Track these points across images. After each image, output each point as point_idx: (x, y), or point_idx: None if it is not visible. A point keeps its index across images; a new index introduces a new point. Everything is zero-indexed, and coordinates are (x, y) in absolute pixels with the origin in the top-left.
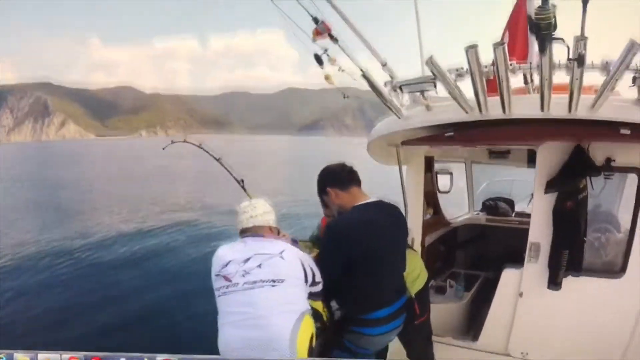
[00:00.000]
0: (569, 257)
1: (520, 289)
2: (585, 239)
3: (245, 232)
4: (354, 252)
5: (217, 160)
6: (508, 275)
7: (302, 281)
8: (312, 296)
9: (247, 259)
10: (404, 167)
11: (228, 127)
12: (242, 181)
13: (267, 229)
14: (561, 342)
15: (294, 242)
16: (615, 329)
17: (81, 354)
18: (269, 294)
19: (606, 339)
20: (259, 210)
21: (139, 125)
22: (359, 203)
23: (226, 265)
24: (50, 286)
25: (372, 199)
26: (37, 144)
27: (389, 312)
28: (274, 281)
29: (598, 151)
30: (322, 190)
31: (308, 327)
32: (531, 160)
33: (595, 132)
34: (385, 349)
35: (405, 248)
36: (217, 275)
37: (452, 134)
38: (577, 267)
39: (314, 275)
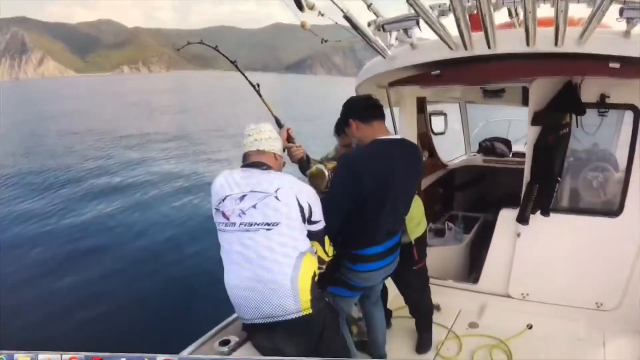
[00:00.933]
0: (538, 192)
1: (517, 229)
2: (559, 179)
3: (248, 157)
4: (365, 186)
5: (233, 63)
6: (505, 216)
7: (298, 222)
8: (309, 236)
9: (243, 196)
10: (397, 110)
11: (213, 63)
12: (258, 85)
13: (272, 157)
14: (560, 283)
15: (307, 159)
16: (613, 269)
17: (82, 354)
18: (265, 238)
19: (604, 278)
20: (264, 134)
21: (121, 61)
22: (380, 138)
23: (223, 200)
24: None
25: (394, 136)
26: (15, 82)
27: (380, 250)
28: (268, 224)
29: (592, 87)
30: (343, 121)
31: (310, 265)
32: (526, 99)
33: (585, 66)
34: (385, 295)
35: (414, 191)
36: (216, 209)
37: (438, 72)
38: (544, 205)
39: (311, 213)
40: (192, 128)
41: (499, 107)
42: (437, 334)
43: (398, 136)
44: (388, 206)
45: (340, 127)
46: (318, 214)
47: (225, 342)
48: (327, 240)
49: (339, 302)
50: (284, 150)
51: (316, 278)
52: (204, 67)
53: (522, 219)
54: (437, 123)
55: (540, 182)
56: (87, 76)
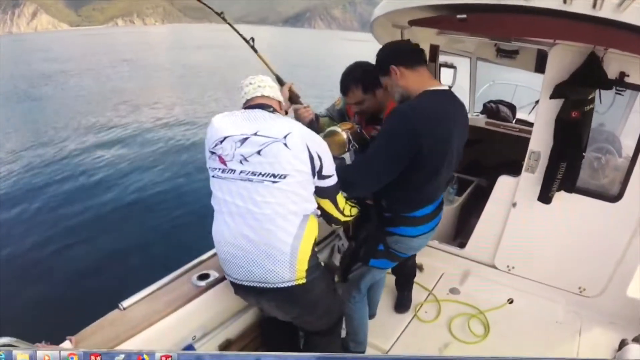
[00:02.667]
0: (566, 171)
1: (514, 199)
2: (584, 154)
3: (251, 102)
4: (424, 149)
5: (220, 15)
6: (503, 183)
7: (308, 175)
8: (318, 192)
9: (245, 139)
10: None
11: (210, 15)
12: (252, 40)
13: (277, 104)
14: (547, 261)
15: (315, 117)
16: (601, 256)
17: (80, 350)
18: (269, 192)
19: (591, 264)
20: (267, 82)
21: (115, 13)
22: (431, 88)
23: (222, 141)
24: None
25: (442, 86)
26: (7, 36)
27: (432, 208)
28: (274, 176)
29: (612, 63)
30: (382, 69)
31: (312, 231)
32: (539, 64)
33: (615, 37)
34: None
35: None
36: (211, 152)
37: (465, 16)
38: (571, 183)
39: (321, 167)
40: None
41: (505, 70)
42: (417, 294)
43: (445, 86)
44: (445, 167)
45: (371, 83)
46: (329, 168)
47: (204, 276)
48: (340, 197)
49: (375, 275)
50: (285, 113)
51: (316, 245)
52: (200, 19)
53: (545, 198)
54: (445, 76)
55: (569, 160)
56: (80, 30)
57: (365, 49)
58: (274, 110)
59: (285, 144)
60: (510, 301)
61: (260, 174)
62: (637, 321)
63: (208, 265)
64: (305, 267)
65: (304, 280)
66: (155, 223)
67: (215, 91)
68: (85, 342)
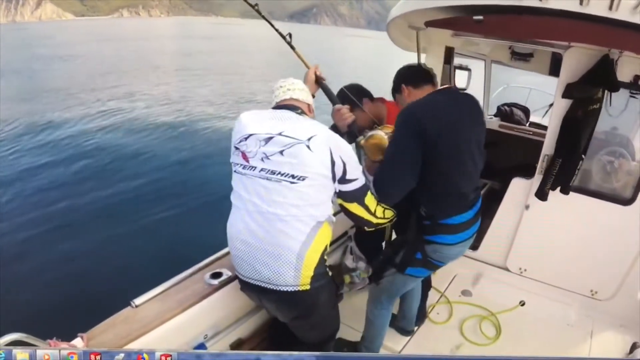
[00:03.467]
0: (560, 168)
1: (527, 201)
2: (583, 156)
3: (278, 105)
4: (431, 134)
5: (254, 7)
6: (517, 186)
7: (327, 180)
8: (344, 196)
9: (270, 138)
10: (423, 57)
11: (216, 9)
12: (290, 35)
13: (306, 107)
14: (559, 264)
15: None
16: (614, 259)
17: (80, 349)
18: (286, 192)
19: (603, 267)
20: (298, 85)
21: (120, 4)
22: (439, 88)
23: (246, 138)
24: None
25: (445, 86)
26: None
27: (471, 215)
28: (293, 177)
29: (627, 66)
30: (396, 88)
31: (324, 239)
32: (554, 68)
33: (630, 39)
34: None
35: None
36: (235, 147)
37: (481, 18)
38: (565, 182)
39: (345, 170)
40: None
41: (519, 73)
42: (429, 296)
43: (447, 85)
44: (467, 158)
45: (353, 101)
46: (353, 171)
47: (216, 275)
48: (370, 199)
49: (408, 283)
50: (313, 96)
51: (327, 253)
52: (206, 12)
53: (541, 195)
54: (460, 78)
55: (564, 157)
56: (85, 20)
57: (371, 45)
58: (302, 112)
59: (308, 146)
60: (522, 303)
61: (279, 173)
62: None
63: (221, 263)
64: (311, 273)
65: (307, 287)
66: (167, 216)
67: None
68: (96, 339)
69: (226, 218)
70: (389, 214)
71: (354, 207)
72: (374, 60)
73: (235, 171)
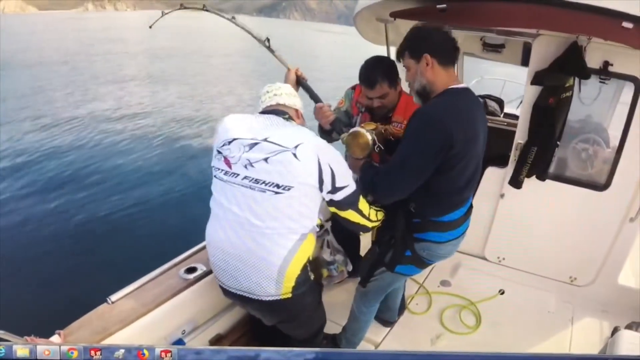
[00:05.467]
0: (536, 156)
1: (502, 190)
2: (558, 143)
3: (265, 110)
4: (455, 149)
5: (231, 20)
6: (491, 175)
7: (314, 189)
8: (337, 205)
9: (255, 144)
10: (393, 50)
11: (182, 2)
12: (268, 40)
13: (294, 112)
14: (537, 251)
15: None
16: (591, 244)
17: (80, 345)
18: (270, 203)
19: (581, 253)
20: (284, 89)
21: None
22: (454, 86)
23: (230, 143)
24: None
25: (461, 84)
26: None
27: (462, 213)
28: (278, 186)
29: (596, 52)
30: (414, 51)
31: (307, 250)
32: (525, 58)
33: (596, 24)
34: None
35: None
36: (218, 151)
37: (444, 6)
38: (542, 170)
39: (333, 179)
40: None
41: (494, 65)
42: (408, 287)
43: (464, 84)
44: (473, 167)
45: (396, 77)
46: (343, 179)
47: (191, 270)
48: (363, 203)
49: (398, 281)
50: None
51: (309, 263)
52: (173, 6)
53: (515, 182)
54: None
55: (539, 145)
56: (49, 14)
57: (341, 40)
58: (289, 118)
59: (295, 154)
60: (502, 292)
61: (263, 182)
62: (629, 309)
63: (196, 259)
64: (292, 284)
65: (289, 295)
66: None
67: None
68: (73, 335)
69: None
70: (381, 215)
71: (349, 214)
72: (345, 55)
73: (215, 176)
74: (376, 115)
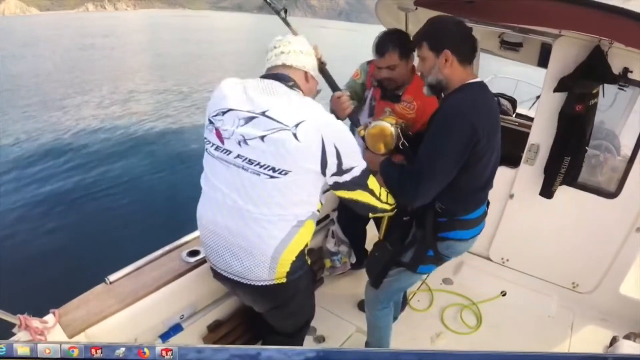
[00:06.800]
0: (569, 165)
1: (511, 190)
2: (587, 148)
3: (268, 73)
4: (481, 141)
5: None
6: (501, 175)
7: (315, 174)
8: (343, 186)
9: (251, 118)
10: None
11: (184, 2)
12: (285, 10)
13: (301, 75)
14: (542, 255)
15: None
16: (596, 251)
17: (81, 344)
18: (264, 187)
19: (585, 260)
20: (294, 46)
21: None
22: (471, 81)
23: (224, 113)
24: None
25: (476, 78)
26: None
27: (485, 209)
28: (274, 170)
29: (617, 58)
30: (434, 44)
31: (304, 238)
32: (542, 59)
33: (622, 27)
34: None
35: None
36: (210, 121)
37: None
38: (574, 177)
39: (340, 160)
40: None
41: (507, 64)
42: None
43: (479, 78)
44: (493, 162)
45: (408, 50)
46: (350, 159)
47: (193, 253)
48: (373, 182)
49: (415, 281)
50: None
51: (307, 249)
52: (172, 5)
53: (548, 193)
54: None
55: (571, 154)
56: (50, 14)
57: (342, 37)
58: (294, 85)
59: (295, 135)
60: (504, 293)
61: (258, 164)
62: (629, 319)
63: (199, 242)
64: (287, 269)
65: (284, 280)
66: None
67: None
68: (69, 315)
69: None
70: (392, 199)
71: (358, 195)
72: (346, 52)
73: (207, 150)
74: (387, 92)
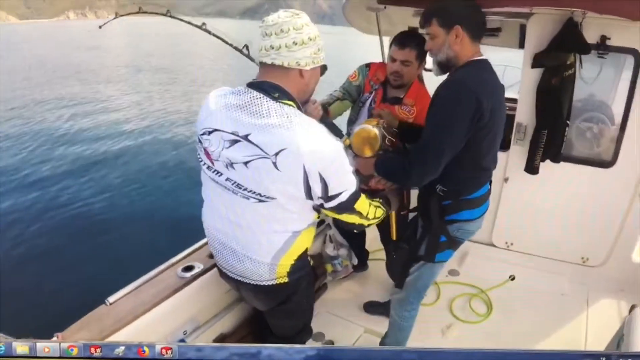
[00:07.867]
0: (547, 139)
1: (505, 173)
2: (568, 122)
3: (259, 71)
4: (485, 115)
5: (201, 27)
6: None
7: (300, 200)
8: (330, 210)
9: (235, 142)
10: (386, 40)
11: (166, 7)
12: (246, 47)
13: (294, 75)
14: (546, 234)
15: (324, 110)
16: (601, 223)
17: (80, 343)
18: (255, 210)
19: (592, 233)
20: (288, 38)
21: (66, 6)
22: (477, 58)
23: (210, 133)
24: None
25: (482, 55)
26: None
27: (488, 186)
28: (261, 195)
29: (592, 27)
30: (446, 21)
31: (303, 243)
32: (522, 40)
33: None
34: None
35: None
36: (199, 139)
37: None
38: (555, 152)
39: (326, 188)
40: None
41: (493, 51)
42: None
43: (484, 56)
44: (498, 136)
45: (424, 54)
46: (337, 185)
47: (188, 268)
48: (362, 203)
49: (437, 270)
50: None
51: (307, 251)
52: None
53: (531, 169)
54: (428, 59)
55: (549, 128)
56: (30, 23)
57: (325, 41)
58: (279, 97)
59: (275, 164)
60: (512, 278)
61: (245, 188)
62: None
63: (193, 258)
64: (287, 270)
65: (285, 279)
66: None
67: None
68: (72, 338)
69: None
70: (380, 212)
71: (347, 217)
72: (331, 55)
73: (200, 161)
74: (387, 95)
